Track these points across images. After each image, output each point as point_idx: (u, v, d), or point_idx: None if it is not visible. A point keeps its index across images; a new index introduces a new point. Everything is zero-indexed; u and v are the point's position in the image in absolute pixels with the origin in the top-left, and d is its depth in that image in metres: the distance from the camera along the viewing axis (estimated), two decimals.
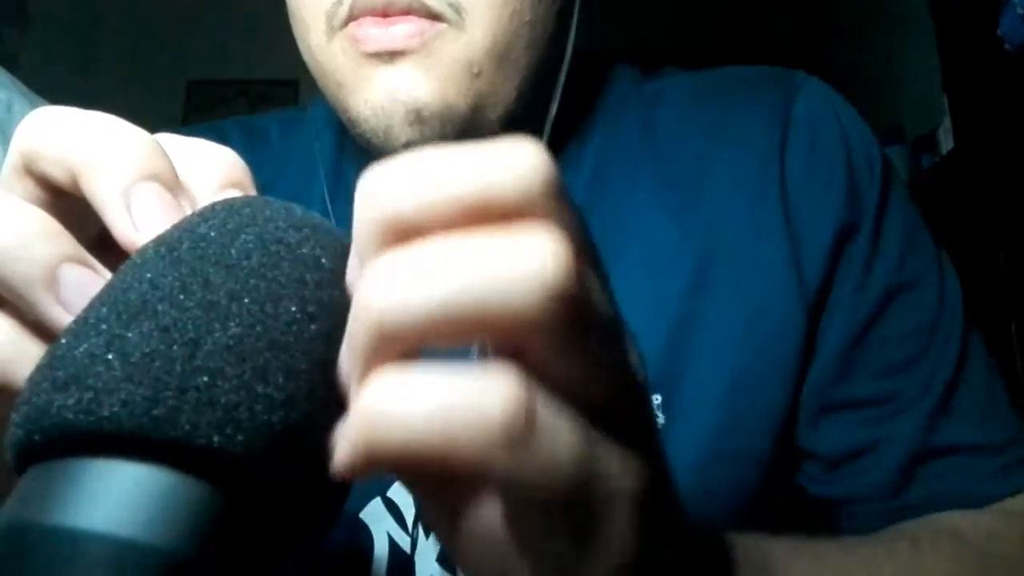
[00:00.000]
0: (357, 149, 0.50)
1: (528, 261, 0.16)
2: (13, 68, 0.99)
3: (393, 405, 0.15)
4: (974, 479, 0.43)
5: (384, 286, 0.16)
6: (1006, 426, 0.44)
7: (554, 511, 0.17)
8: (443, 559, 0.42)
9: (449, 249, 0.16)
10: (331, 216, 0.49)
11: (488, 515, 0.18)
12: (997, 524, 0.41)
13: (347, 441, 0.16)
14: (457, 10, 0.39)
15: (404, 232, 0.17)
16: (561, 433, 0.17)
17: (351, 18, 0.39)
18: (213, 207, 0.20)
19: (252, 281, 0.18)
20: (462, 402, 0.15)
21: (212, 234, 0.19)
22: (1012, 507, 0.42)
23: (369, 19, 0.39)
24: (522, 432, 0.16)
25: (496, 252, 0.16)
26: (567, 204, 0.17)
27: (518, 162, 0.17)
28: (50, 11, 2.54)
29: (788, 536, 0.33)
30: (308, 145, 0.53)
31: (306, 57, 0.43)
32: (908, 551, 0.38)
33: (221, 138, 0.54)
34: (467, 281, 0.15)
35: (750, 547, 0.29)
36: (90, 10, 2.58)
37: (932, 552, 0.39)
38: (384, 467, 0.16)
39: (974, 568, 0.38)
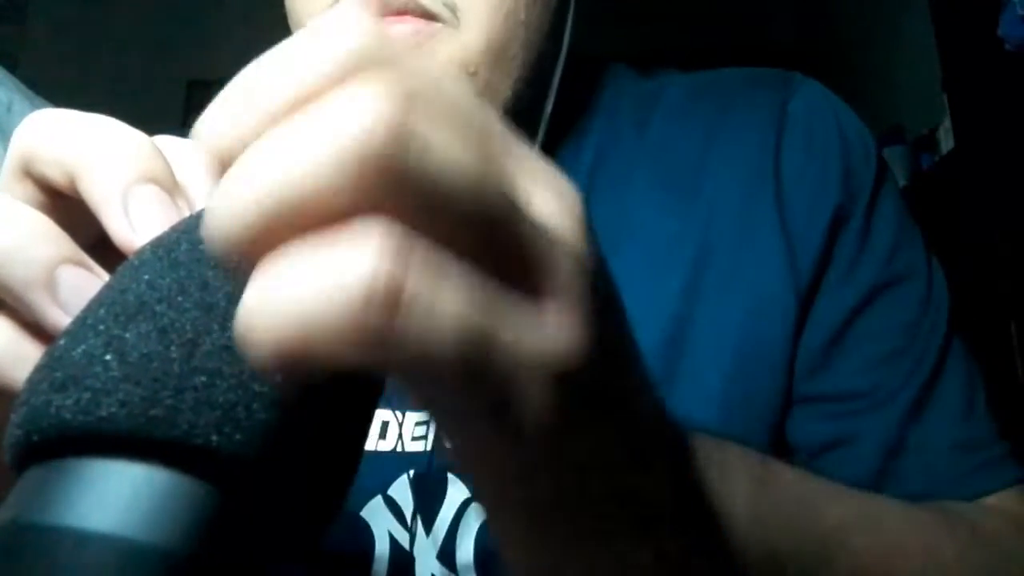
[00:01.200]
0: None
1: (331, 133, 0.14)
2: (13, 68, 0.99)
3: (257, 301, 0.14)
4: (952, 476, 0.43)
5: (216, 204, 0.15)
6: (984, 425, 0.44)
7: (452, 385, 0.16)
8: (443, 556, 0.42)
9: (266, 146, 0.15)
10: None
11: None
12: (977, 507, 0.41)
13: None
14: (452, 10, 0.39)
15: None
16: (444, 290, 0.15)
17: None
18: None
19: None
20: (321, 278, 0.14)
21: None
22: (992, 504, 0.42)
23: None
24: (388, 298, 0.14)
25: (309, 128, 0.14)
26: (393, 58, 0.16)
27: (336, 42, 0.16)
28: (50, 11, 2.54)
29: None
30: None
31: None
32: (901, 505, 0.38)
33: None
34: (279, 172, 0.14)
35: (740, 453, 0.29)
36: (90, 10, 2.58)
37: (924, 512, 0.38)
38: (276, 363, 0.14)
39: (962, 534, 0.38)
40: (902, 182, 1.92)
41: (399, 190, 0.14)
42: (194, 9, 2.60)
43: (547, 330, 0.17)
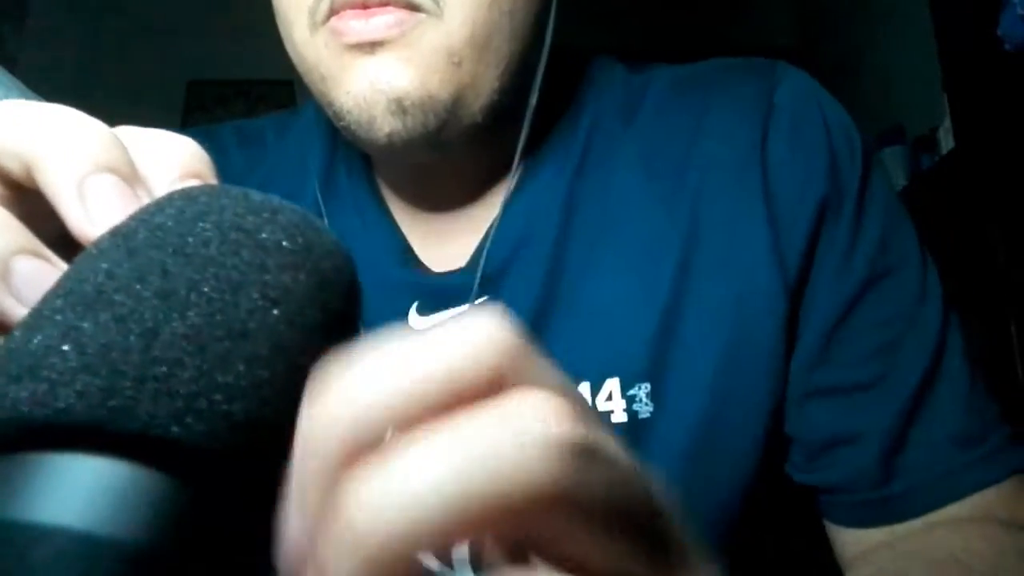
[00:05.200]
0: (348, 148, 0.51)
1: (524, 419, 0.14)
2: (13, 68, 0.99)
3: None
4: (954, 469, 0.43)
5: (361, 507, 0.14)
6: (984, 414, 0.44)
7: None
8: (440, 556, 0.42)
9: (428, 441, 0.14)
10: (324, 216, 0.49)
11: None
12: (993, 546, 0.41)
13: None
14: (435, 0, 0.39)
15: (368, 441, 0.15)
16: None
17: (332, 12, 0.40)
18: (170, 196, 0.20)
19: (211, 270, 0.18)
20: None
21: (169, 223, 0.18)
22: (995, 508, 0.43)
23: (350, 12, 0.39)
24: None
25: (483, 424, 0.14)
26: (544, 367, 0.16)
27: (489, 338, 0.15)
28: (50, 11, 2.54)
29: None
30: (301, 147, 0.53)
31: (291, 53, 0.44)
32: None
33: (216, 142, 0.54)
34: (458, 462, 0.14)
35: None
36: (90, 10, 2.58)
37: None
38: None
39: None
40: (902, 182, 1.92)
41: (591, 479, 0.15)
42: (194, 9, 2.59)
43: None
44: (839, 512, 0.46)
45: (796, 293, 0.45)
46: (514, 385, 0.15)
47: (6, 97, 0.90)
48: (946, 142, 1.81)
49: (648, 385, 0.43)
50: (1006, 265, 1.41)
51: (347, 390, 0.15)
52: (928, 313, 0.45)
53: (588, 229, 0.46)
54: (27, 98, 0.93)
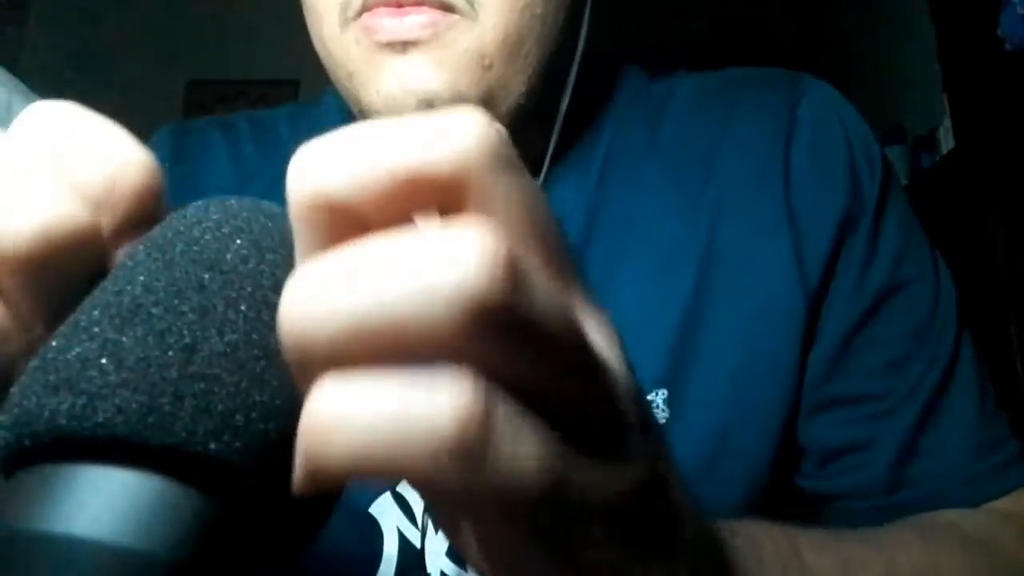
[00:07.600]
0: None
1: (446, 270, 0.14)
2: (13, 68, 0.99)
3: (336, 417, 0.14)
4: (965, 479, 0.43)
5: (298, 299, 0.15)
6: (995, 426, 0.45)
7: (521, 523, 0.16)
8: (452, 553, 0.42)
9: (368, 255, 0.15)
10: None
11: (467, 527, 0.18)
12: (993, 521, 0.42)
13: (299, 455, 0.15)
14: (470, 2, 0.39)
15: (336, 213, 0.16)
16: (524, 443, 0.15)
17: (365, 9, 0.39)
18: (208, 208, 0.20)
19: (248, 288, 0.18)
20: (410, 411, 0.14)
21: (207, 237, 0.18)
22: (1004, 508, 0.43)
23: (383, 10, 0.39)
24: (475, 443, 0.14)
25: (416, 257, 0.14)
26: (514, 176, 0.16)
27: (457, 132, 0.16)
28: (50, 11, 2.54)
29: (803, 528, 0.33)
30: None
31: (318, 48, 0.43)
32: (917, 540, 0.38)
33: (230, 132, 0.54)
34: (379, 295, 0.14)
35: (770, 541, 0.29)
36: (90, 10, 2.58)
37: (939, 542, 0.39)
38: (337, 479, 0.15)
39: (981, 559, 0.39)
40: (902, 182, 1.91)
41: (500, 335, 0.14)
42: (194, 9, 2.59)
43: (612, 472, 0.17)
44: (848, 519, 0.46)
45: (814, 306, 0.45)
46: (477, 192, 0.16)
47: (7, 97, 0.90)
48: (946, 142, 1.81)
49: (665, 391, 0.43)
50: (1006, 265, 1.41)
51: (321, 169, 0.16)
52: (942, 325, 0.45)
53: (609, 237, 0.46)
54: (27, 98, 0.93)
